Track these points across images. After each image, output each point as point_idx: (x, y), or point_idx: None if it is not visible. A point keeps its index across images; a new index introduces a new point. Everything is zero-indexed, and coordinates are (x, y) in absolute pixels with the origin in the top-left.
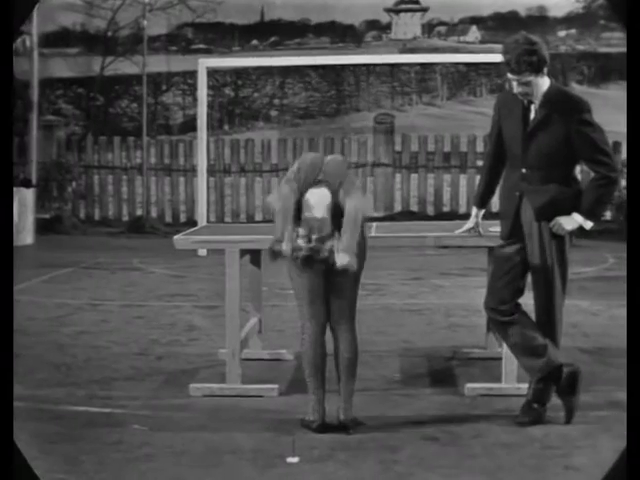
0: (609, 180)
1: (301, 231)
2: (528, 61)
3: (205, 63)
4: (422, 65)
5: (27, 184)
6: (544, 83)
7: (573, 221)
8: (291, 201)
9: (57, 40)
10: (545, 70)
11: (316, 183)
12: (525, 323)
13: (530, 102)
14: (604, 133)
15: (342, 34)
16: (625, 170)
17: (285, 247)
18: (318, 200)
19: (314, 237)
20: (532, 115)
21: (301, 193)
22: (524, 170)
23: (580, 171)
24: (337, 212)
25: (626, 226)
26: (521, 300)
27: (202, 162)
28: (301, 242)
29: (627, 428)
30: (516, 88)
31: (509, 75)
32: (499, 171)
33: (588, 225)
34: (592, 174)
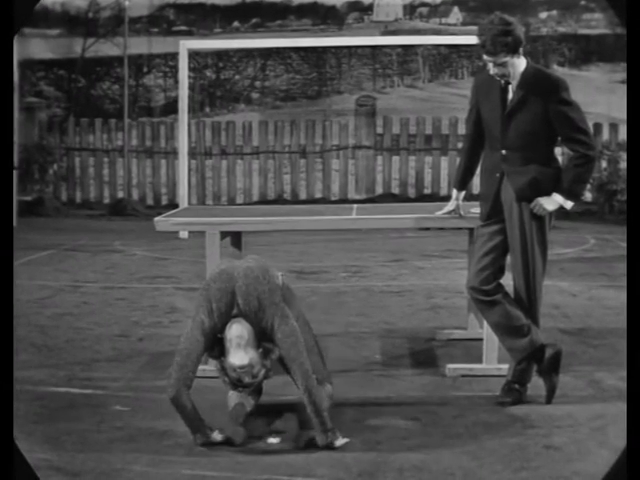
0: (587, 159)
1: (227, 378)
2: (503, 42)
3: (186, 45)
4: (404, 47)
5: None
6: (520, 63)
7: (553, 201)
8: (198, 346)
9: (37, 21)
10: (521, 50)
11: (233, 316)
12: (508, 303)
13: (507, 83)
14: (582, 112)
15: (324, 16)
16: (605, 151)
17: (170, 391)
18: (236, 342)
19: (242, 388)
20: (510, 96)
21: (215, 331)
22: (504, 151)
23: (562, 153)
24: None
25: (627, 213)
26: (501, 280)
27: (183, 144)
28: (230, 389)
29: (627, 428)
30: (492, 69)
31: (485, 57)
32: (478, 153)
33: (568, 205)
34: (571, 154)
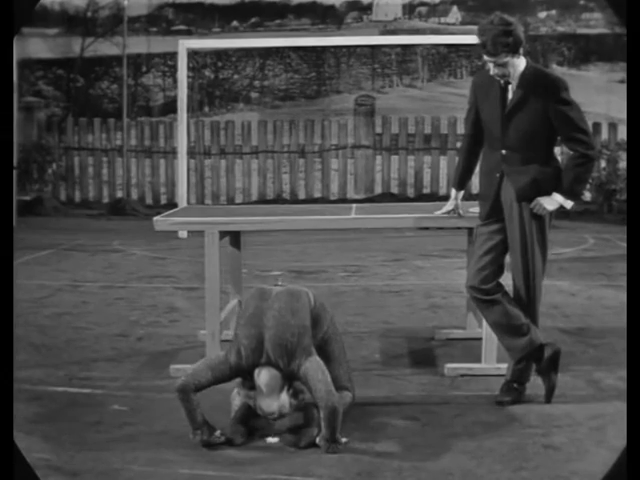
0: (587, 158)
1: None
2: (504, 42)
3: (185, 44)
4: (403, 47)
5: None
6: (520, 63)
7: (554, 201)
8: (222, 372)
9: (36, 20)
10: (521, 50)
11: (261, 364)
12: (507, 302)
13: (507, 83)
14: (581, 111)
15: (323, 15)
16: (604, 151)
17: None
18: (266, 390)
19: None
20: (510, 96)
21: (241, 371)
22: (504, 151)
23: (561, 153)
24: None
25: (627, 212)
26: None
27: (182, 144)
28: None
29: (627, 427)
30: (493, 70)
31: (485, 57)
32: (477, 152)
33: (568, 204)
34: (570, 153)
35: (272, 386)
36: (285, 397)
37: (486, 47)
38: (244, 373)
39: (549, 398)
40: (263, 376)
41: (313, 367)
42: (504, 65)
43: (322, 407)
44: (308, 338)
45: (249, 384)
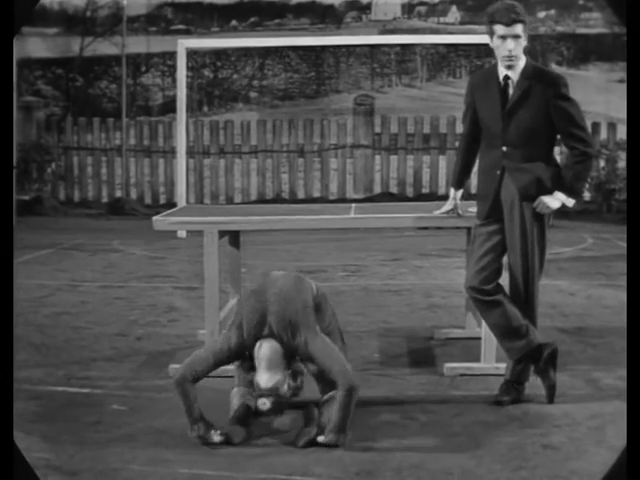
0: (586, 156)
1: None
2: (517, 11)
3: (184, 44)
4: (402, 46)
5: None
6: (522, 59)
7: (556, 200)
8: (221, 355)
9: (35, 20)
10: (526, 34)
11: (264, 336)
12: (507, 303)
13: (507, 78)
14: (580, 109)
15: (322, 15)
16: (603, 151)
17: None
18: (265, 364)
19: (268, 406)
20: (511, 92)
21: (243, 349)
22: (504, 148)
23: (559, 152)
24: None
25: (627, 212)
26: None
27: (181, 143)
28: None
29: (627, 427)
30: (507, 46)
31: (499, 31)
32: (475, 152)
33: (570, 203)
34: (569, 153)
35: (273, 360)
36: (284, 375)
37: (501, 18)
38: (245, 350)
39: (551, 398)
40: (264, 349)
41: (322, 345)
42: (516, 38)
43: (340, 386)
44: (313, 317)
45: (249, 365)
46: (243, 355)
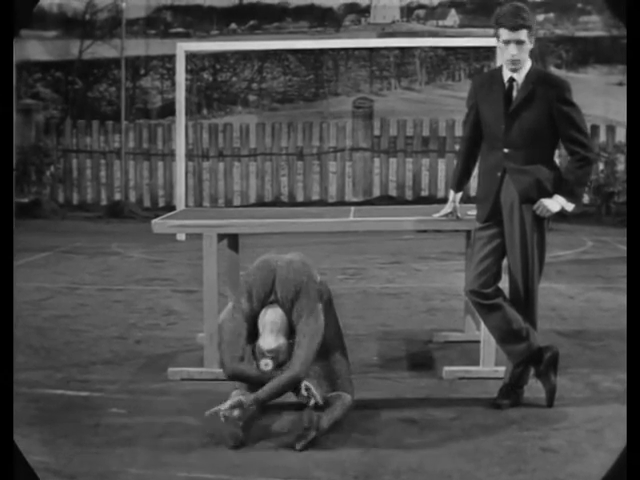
0: (587, 161)
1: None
2: (523, 16)
3: (184, 47)
4: (401, 49)
5: None
6: (527, 63)
7: (556, 203)
8: (243, 328)
9: (34, 22)
10: (532, 40)
11: (270, 302)
12: (507, 307)
13: (512, 80)
14: (582, 114)
15: (321, 18)
16: (602, 154)
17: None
18: (269, 327)
19: (270, 367)
20: (515, 93)
21: (255, 315)
22: (506, 150)
23: (558, 155)
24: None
25: (627, 215)
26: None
27: (180, 146)
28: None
29: (627, 430)
30: (510, 51)
31: (504, 36)
32: (475, 154)
33: (570, 207)
34: (570, 157)
35: (277, 324)
36: (285, 342)
37: (507, 22)
38: (254, 319)
39: (551, 401)
40: (269, 314)
41: (308, 328)
42: (521, 45)
43: (290, 366)
44: (315, 292)
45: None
46: (255, 323)
